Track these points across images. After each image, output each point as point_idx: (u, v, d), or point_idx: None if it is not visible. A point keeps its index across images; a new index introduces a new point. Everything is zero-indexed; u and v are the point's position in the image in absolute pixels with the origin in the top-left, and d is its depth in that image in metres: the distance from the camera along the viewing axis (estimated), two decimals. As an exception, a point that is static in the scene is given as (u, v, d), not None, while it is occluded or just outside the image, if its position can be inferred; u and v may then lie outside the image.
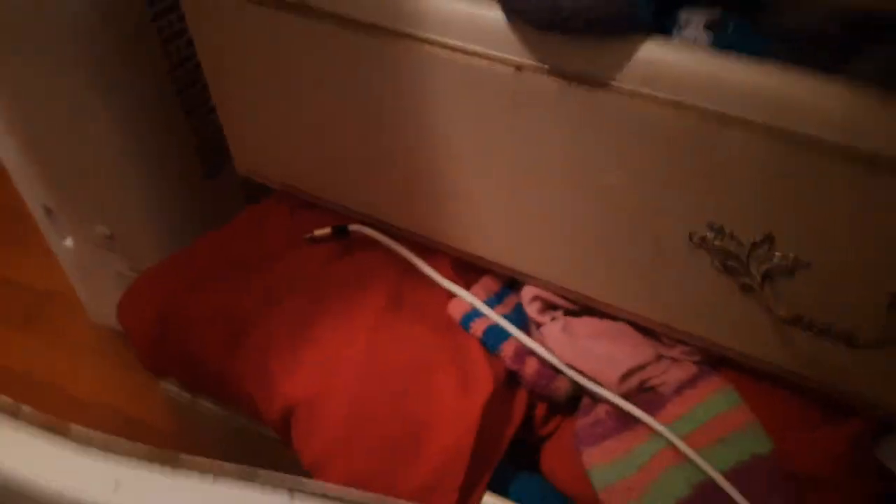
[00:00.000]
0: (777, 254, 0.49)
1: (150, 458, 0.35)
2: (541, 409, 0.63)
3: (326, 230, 0.70)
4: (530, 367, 0.62)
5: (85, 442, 0.37)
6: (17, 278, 1.33)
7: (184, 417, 0.75)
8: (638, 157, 0.50)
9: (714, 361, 0.61)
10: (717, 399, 0.59)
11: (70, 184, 0.97)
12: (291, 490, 0.30)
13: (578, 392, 0.62)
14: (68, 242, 1.08)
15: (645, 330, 0.63)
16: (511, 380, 0.63)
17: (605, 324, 0.64)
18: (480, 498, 0.58)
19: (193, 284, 0.67)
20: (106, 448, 0.36)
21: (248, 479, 0.31)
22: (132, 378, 1.09)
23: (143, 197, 0.95)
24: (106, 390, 1.13)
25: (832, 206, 0.46)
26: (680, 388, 0.60)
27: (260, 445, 0.70)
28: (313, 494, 0.29)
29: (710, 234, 0.51)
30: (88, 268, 1.11)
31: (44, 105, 0.86)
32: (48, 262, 1.15)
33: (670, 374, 0.60)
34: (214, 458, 0.94)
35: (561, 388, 0.62)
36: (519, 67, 0.50)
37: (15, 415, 0.40)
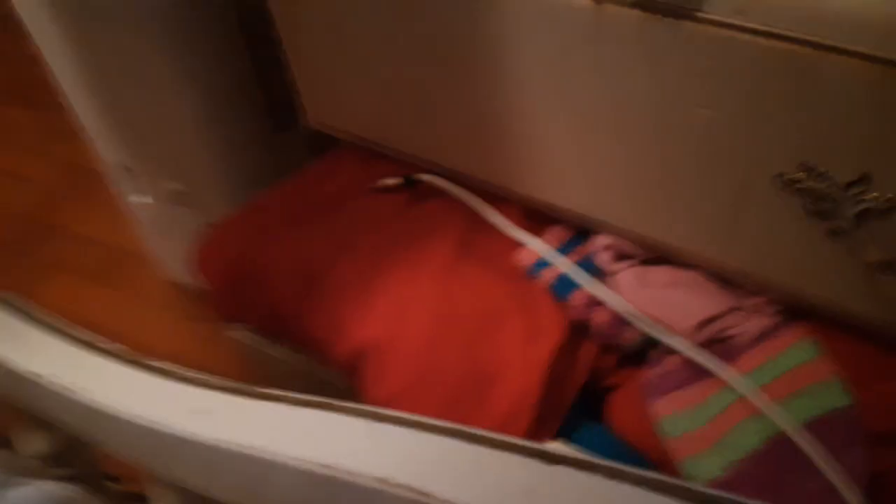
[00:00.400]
0: (873, 194, 0.46)
1: (228, 389, 0.35)
2: (609, 360, 0.62)
3: (396, 179, 0.69)
4: (600, 316, 0.61)
5: (163, 373, 0.38)
6: (92, 234, 1.38)
7: (250, 365, 0.77)
8: (726, 92, 0.47)
9: (795, 312, 0.59)
10: (796, 350, 0.56)
11: (147, 142, 0.99)
12: (372, 416, 0.30)
13: (648, 343, 0.61)
14: (147, 199, 1.10)
15: (723, 279, 0.61)
16: (580, 329, 0.62)
17: (681, 273, 0.62)
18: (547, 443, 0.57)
19: (267, 233, 0.68)
20: (184, 379, 0.37)
21: (327, 408, 0.31)
22: (199, 330, 1.12)
23: (214, 152, 0.96)
24: (174, 340, 1.17)
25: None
26: (757, 339, 0.58)
27: (325, 392, 0.71)
28: (393, 419, 0.29)
29: (800, 174, 0.48)
30: (163, 224, 1.13)
31: (119, 67, 0.88)
32: (119, 219, 1.19)
33: (748, 325, 0.58)
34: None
35: (631, 338, 0.60)
36: (598, 0, 0.48)
37: (106, 351, 0.41)
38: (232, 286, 0.67)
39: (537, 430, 0.57)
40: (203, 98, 0.89)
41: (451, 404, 0.57)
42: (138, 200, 1.10)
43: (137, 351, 1.27)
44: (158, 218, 1.11)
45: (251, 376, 0.88)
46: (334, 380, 0.66)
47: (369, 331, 0.59)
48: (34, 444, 0.54)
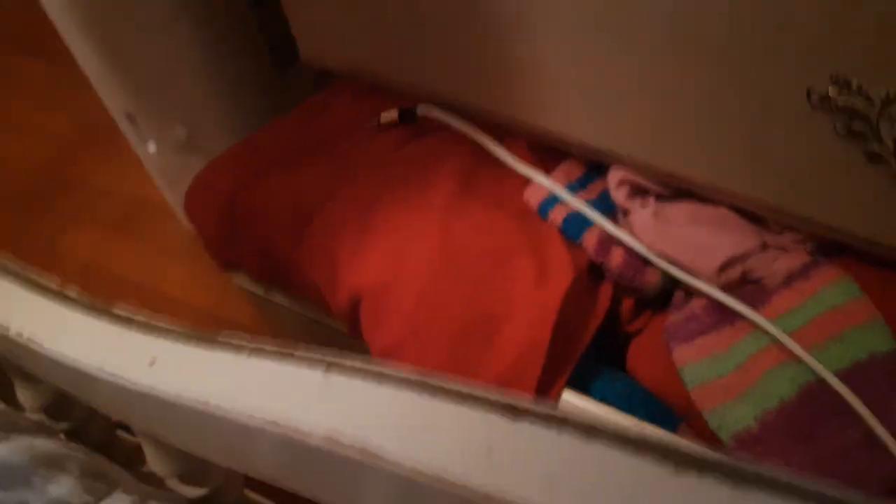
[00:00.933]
0: (919, 112, 0.41)
1: (188, 337, 0.32)
2: (628, 304, 0.57)
3: (393, 113, 0.65)
4: (616, 257, 0.56)
5: (125, 321, 0.35)
6: (110, 185, 1.38)
7: (261, 311, 0.74)
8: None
9: (830, 249, 0.54)
10: (832, 291, 0.51)
11: (148, 87, 0.97)
12: (328, 366, 0.26)
13: (671, 285, 0.56)
14: (151, 147, 1.09)
15: (750, 215, 0.56)
16: (595, 271, 0.58)
17: (703, 209, 0.57)
18: (559, 394, 0.54)
19: (258, 172, 0.64)
20: (145, 327, 0.34)
21: (284, 356, 0.28)
22: (220, 279, 1.12)
23: (215, 93, 0.94)
24: (195, 291, 1.16)
25: None
26: (789, 280, 0.53)
27: (336, 338, 0.68)
28: (351, 369, 0.26)
29: (832, 91, 0.42)
30: (172, 171, 1.12)
31: (117, 9, 0.86)
32: (136, 169, 1.17)
33: (778, 264, 0.53)
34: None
35: (651, 280, 0.56)
36: None
37: (61, 295, 0.39)
38: (222, 230, 0.64)
39: (548, 377, 0.54)
40: (199, 36, 0.86)
41: (456, 352, 0.53)
42: (146, 148, 1.08)
43: (161, 302, 1.26)
44: (167, 166, 1.09)
45: (263, 325, 0.86)
46: (342, 327, 0.63)
47: (367, 274, 0.56)
48: (25, 397, 0.53)
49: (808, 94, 0.43)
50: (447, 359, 0.53)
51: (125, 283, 1.24)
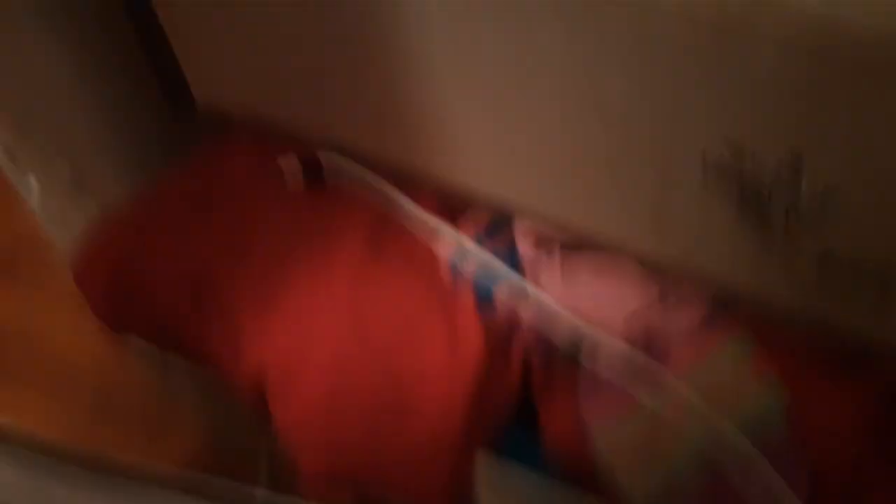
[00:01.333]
0: (806, 179, 0.42)
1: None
2: (539, 360, 0.57)
3: (294, 162, 0.62)
4: (525, 312, 0.56)
5: None
6: (-7, 223, 1.27)
7: (156, 373, 0.70)
8: (646, 64, 0.42)
9: (728, 303, 0.55)
10: (729, 347, 0.53)
11: (28, 122, 0.90)
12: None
13: (579, 339, 0.57)
14: (33, 183, 1.02)
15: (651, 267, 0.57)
16: (509, 328, 0.57)
17: (607, 259, 0.57)
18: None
19: (151, 237, 0.60)
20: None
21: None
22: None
23: (103, 133, 0.88)
24: (84, 344, 1.08)
25: (875, 122, 0.38)
26: (689, 333, 0.54)
27: (238, 404, 0.65)
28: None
29: (727, 156, 0.43)
30: (58, 211, 1.05)
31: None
32: (19, 204, 1.09)
33: (679, 316, 0.54)
34: (189, 417, 0.88)
35: (560, 335, 0.56)
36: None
37: None
38: (113, 301, 0.59)
39: (470, 447, 0.53)
40: (85, 72, 0.81)
41: (369, 427, 0.52)
42: (28, 186, 1.01)
43: (45, 358, 1.17)
44: (52, 206, 1.02)
45: (156, 389, 0.81)
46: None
47: (271, 349, 0.53)
48: None
49: (705, 160, 0.44)
50: (360, 436, 0.51)
51: (5, 334, 1.14)
